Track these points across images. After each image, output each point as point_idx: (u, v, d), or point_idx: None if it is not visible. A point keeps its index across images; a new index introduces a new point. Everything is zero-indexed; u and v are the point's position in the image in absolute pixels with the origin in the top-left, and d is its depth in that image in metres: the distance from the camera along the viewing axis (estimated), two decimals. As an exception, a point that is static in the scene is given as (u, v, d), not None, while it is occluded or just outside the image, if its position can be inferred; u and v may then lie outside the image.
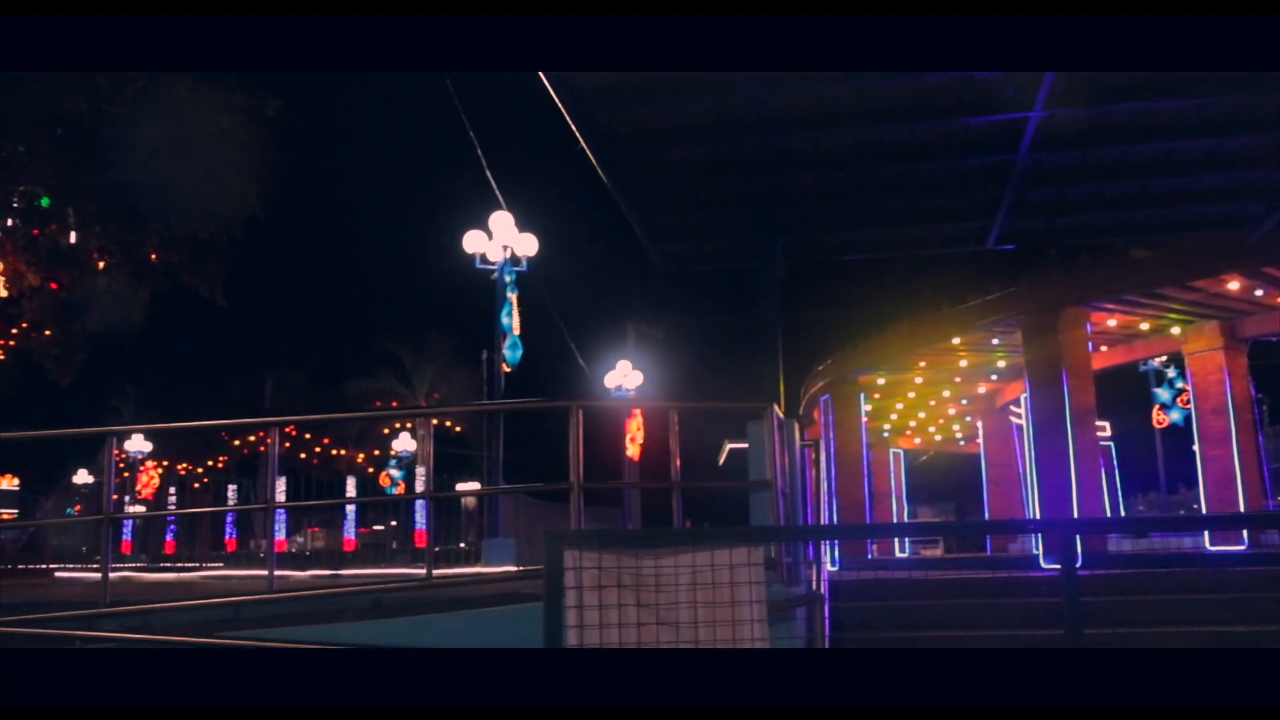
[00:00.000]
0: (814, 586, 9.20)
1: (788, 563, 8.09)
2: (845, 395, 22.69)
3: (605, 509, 25.75)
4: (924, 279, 20.91)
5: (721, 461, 25.39)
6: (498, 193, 17.33)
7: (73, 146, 21.79)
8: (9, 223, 24.05)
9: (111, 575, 7.08)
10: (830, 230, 13.34)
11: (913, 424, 28.88)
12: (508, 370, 16.89)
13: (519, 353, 16.65)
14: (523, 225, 17.38)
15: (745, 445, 8.15)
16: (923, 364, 22.04)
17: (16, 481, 51.60)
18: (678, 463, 7.48)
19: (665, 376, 31.38)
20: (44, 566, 24.53)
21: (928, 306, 19.85)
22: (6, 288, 25.04)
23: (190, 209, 23.81)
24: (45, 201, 23.74)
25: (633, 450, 28.27)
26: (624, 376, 29.62)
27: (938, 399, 25.32)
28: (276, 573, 7.23)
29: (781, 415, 8.56)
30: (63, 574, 21.27)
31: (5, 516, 43.86)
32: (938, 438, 31.41)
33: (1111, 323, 21.13)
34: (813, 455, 10.60)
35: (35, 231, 24.62)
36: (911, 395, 24.71)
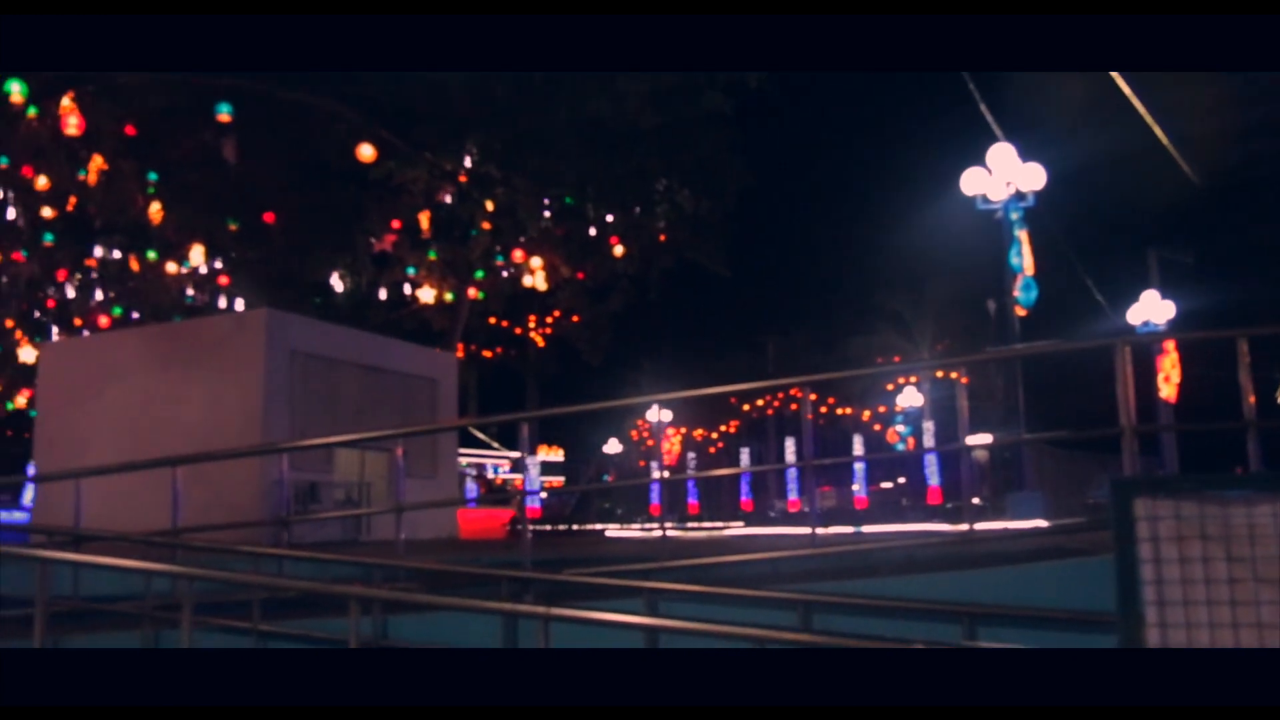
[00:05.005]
0: None
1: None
2: None
3: (1139, 457, 23.40)
4: None
5: (1281, 398, 22.02)
6: (994, 125, 16.25)
7: (594, 145, 24.07)
8: (544, 224, 27.23)
9: (652, 534, 7.59)
10: None
11: None
12: (1022, 313, 15.83)
13: (1034, 294, 15.52)
14: (1026, 156, 16.13)
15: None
16: None
17: (561, 452, 58.80)
18: (1251, 399, 6.46)
19: (1200, 307, 27.92)
20: (593, 527, 27.73)
21: None
22: (546, 281, 28.42)
23: (690, 187, 25.35)
24: (569, 200, 26.52)
25: (1167, 390, 25.55)
26: (1151, 310, 26.93)
27: None
28: (800, 531, 7.31)
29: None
30: (611, 533, 23.81)
31: (555, 484, 50.03)
32: None
33: None
34: None
35: (559, 231, 27.68)
36: None
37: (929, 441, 42.65)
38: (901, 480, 54.52)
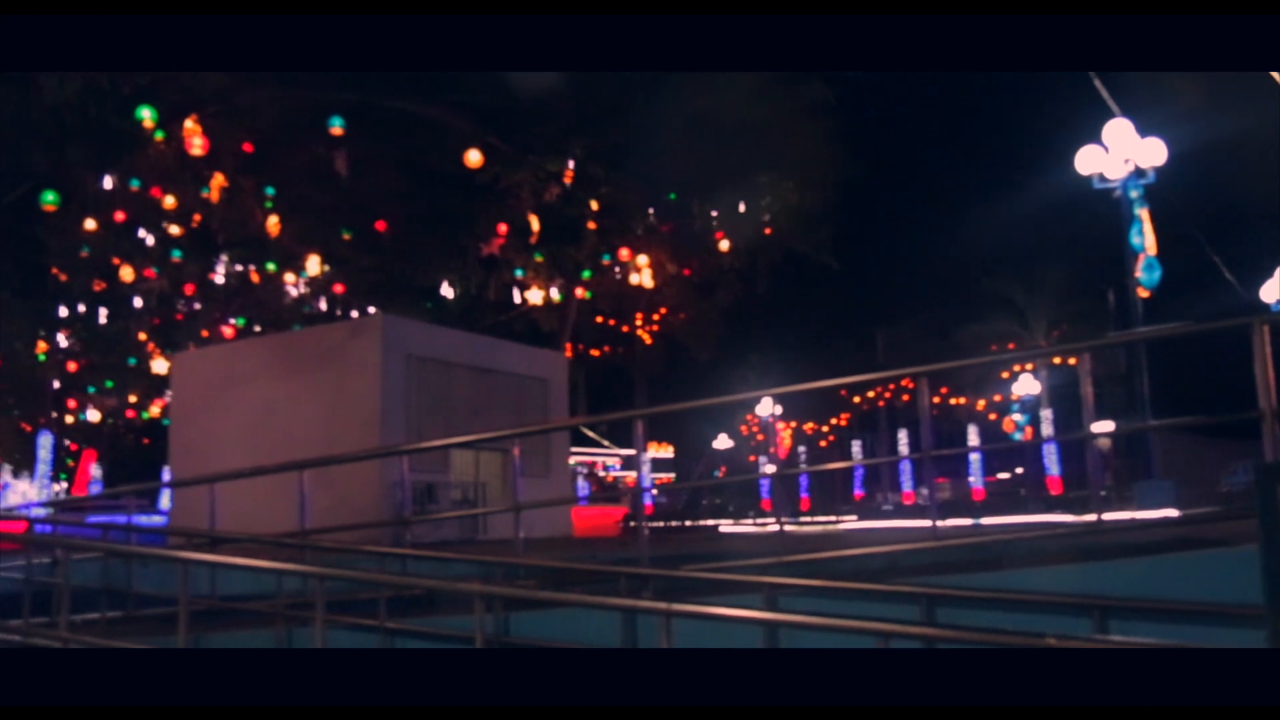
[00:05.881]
0: None
1: None
2: None
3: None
4: None
5: None
6: (1108, 100, 15.59)
7: (697, 140, 24.05)
8: (649, 222, 27.34)
9: (765, 529, 7.54)
10: None
11: None
12: (1145, 295, 15.21)
13: (1157, 274, 14.90)
14: (1144, 130, 15.48)
15: None
16: None
17: (670, 449, 58.97)
18: None
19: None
20: (705, 523, 27.72)
21: None
22: (653, 278, 28.53)
23: (794, 179, 25.12)
24: (672, 195, 26.56)
25: (1311, 369, 24.16)
26: (1290, 285, 25.49)
27: None
28: (918, 523, 7.16)
29: None
30: (724, 528, 23.74)
31: (665, 480, 50.19)
32: None
33: None
34: None
35: (664, 228, 27.74)
36: None
37: (1047, 430, 41.41)
38: (1019, 470, 53.09)
